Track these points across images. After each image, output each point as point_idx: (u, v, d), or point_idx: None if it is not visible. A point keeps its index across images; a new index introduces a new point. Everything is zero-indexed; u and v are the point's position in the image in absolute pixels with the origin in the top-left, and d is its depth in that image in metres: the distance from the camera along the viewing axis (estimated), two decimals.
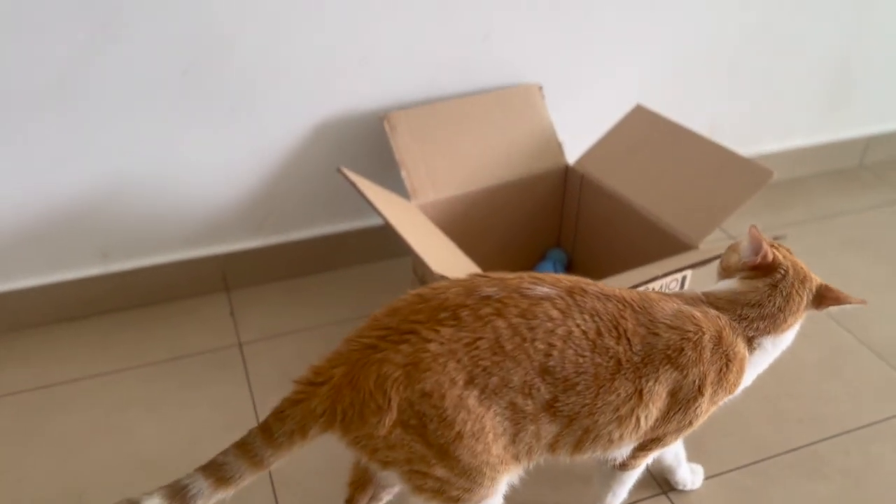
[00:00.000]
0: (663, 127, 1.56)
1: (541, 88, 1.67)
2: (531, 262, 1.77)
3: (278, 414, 0.89)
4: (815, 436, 1.37)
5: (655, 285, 1.29)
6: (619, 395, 0.91)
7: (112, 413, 1.39)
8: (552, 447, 0.94)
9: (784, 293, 0.99)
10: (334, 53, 1.51)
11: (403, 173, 1.52)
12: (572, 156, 1.67)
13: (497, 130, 1.62)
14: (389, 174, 1.56)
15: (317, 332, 1.60)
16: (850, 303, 1.01)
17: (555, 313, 0.88)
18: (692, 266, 1.19)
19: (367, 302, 1.68)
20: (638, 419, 0.94)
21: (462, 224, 1.59)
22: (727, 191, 1.40)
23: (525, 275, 0.93)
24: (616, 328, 0.91)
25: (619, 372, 0.90)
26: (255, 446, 0.89)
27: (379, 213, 1.26)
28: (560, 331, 0.88)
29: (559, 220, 1.76)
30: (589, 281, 0.95)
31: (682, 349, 0.92)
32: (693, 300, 0.99)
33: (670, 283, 1.37)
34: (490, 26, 1.60)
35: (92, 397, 1.42)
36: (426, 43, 1.57)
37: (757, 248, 1.00)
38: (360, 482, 1.09)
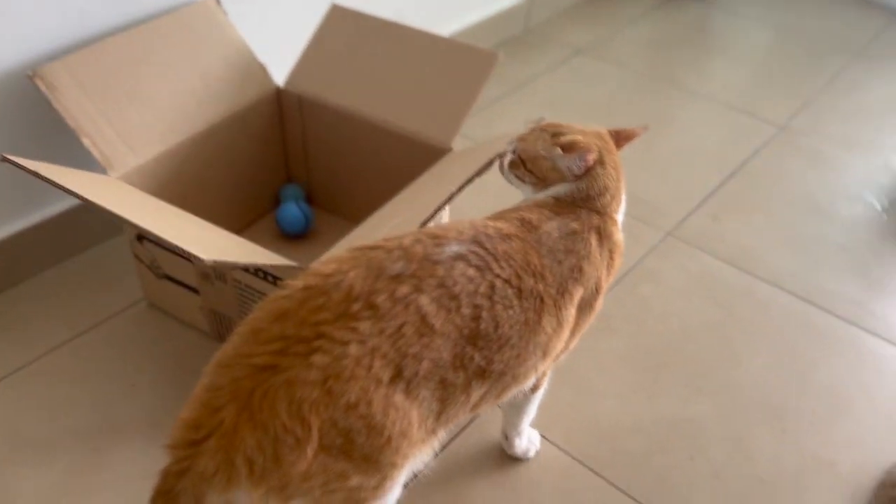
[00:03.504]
0: (369, 25, 1.42)
1: (219, 2, 1.40)
2: (265, 206, 1.56)
3: (165, 495, 0.71)
4: None
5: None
6: (546, 332, 0.88)
7: None
8: (476, 406, 0.87)
9: (612, 164, 1.00)
10: None
11: (86, 142, 1.18)
12: (280, 76, 1.45)
13: (185, 62, 1.33)
14: (70, 148, 1.21)
15: (25, 372, 1.24)
16: (636, 134, 1.05)
17: (472, 272, 0.81)
18: (483, 168, 1.09)
19: (81, 310, 1.34)
20: (558, 344, 0.92)
21: (178, 184, 1.32)
22: (460, 82, 1.34)
23: (422, 235, 0.82)
24: (529, 266, 0.86)
25: (544, 310, 0.87)
26: None
27: (68, 191, 0.97)
28: (483, 289, 0.81)
29: (284, 153, 1.55)
30: (484, 222, 0.88)
31: (582, 267, 0.92)
32: (561, 210, 0.95)
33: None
34: None
35: None
36: None
37: (585, 155, 0.96)
38: None
